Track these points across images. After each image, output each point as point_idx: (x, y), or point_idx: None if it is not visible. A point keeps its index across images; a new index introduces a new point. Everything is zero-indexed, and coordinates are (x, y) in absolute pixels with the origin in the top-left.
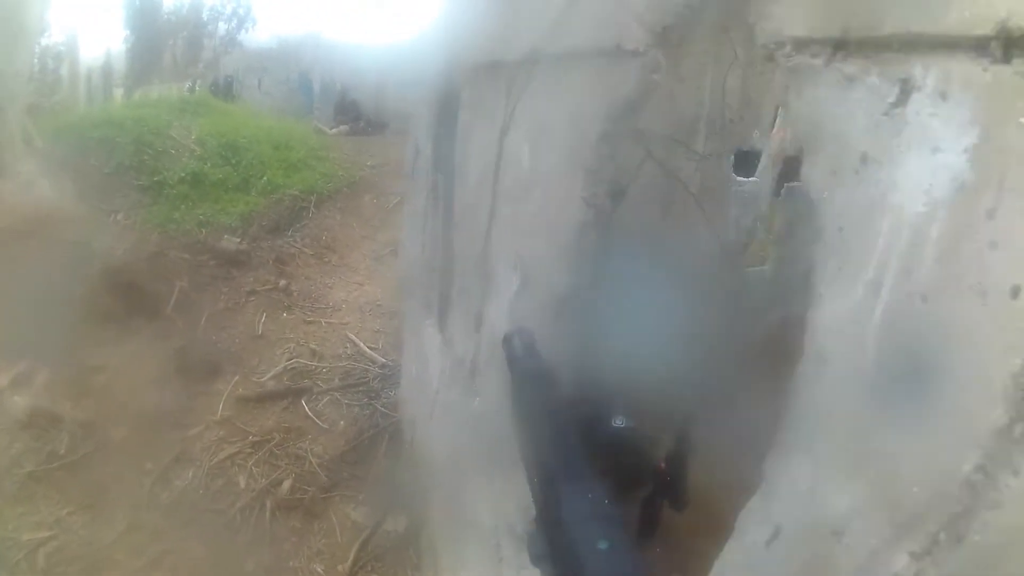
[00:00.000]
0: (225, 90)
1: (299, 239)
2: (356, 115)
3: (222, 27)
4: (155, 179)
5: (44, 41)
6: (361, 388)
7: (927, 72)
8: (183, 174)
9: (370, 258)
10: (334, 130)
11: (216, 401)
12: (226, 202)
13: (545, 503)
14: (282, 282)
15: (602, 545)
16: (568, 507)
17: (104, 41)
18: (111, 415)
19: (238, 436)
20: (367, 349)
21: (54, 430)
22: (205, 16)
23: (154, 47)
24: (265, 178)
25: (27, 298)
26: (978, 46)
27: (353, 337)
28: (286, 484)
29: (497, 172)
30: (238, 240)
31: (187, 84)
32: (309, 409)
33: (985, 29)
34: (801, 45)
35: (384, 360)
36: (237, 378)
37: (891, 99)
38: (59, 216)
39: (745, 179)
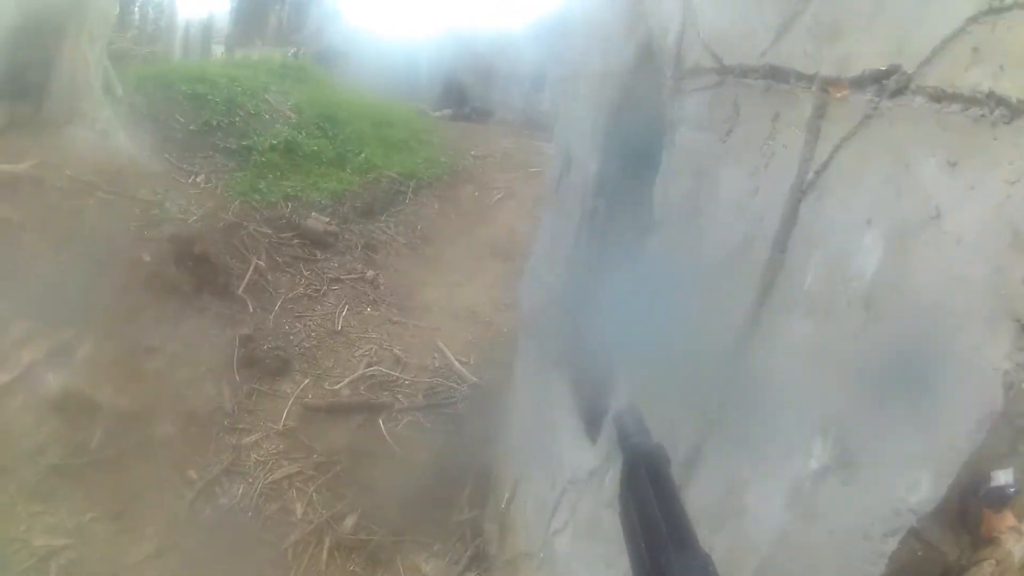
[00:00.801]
0: (329, 60)
1: (392, 226)
2: (462, 100)
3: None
4: (244, 143)
5: None
6: (447, 411)
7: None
8: (275, 141)
9: (468, 256)
10: (437, 113)
11: (280, 406)
12: (318, 176)
13: (652, 567)
14: (369, 272)
15: None
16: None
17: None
18: (157, 408)
19: (301, 452)
20: (457, 363)
21: (88, 418)
22: None
23: (260, 9)
24: (363, 155)
25: (84, 258)
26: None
27: (443, 347)
28: (350, 520)
29: (784, 255)
30: (327, 220)
31: (291, 50)
32: (386, 430)
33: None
34: None
35: (475, 379)
36: (308, 381)
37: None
38: (133, 171)
39: None
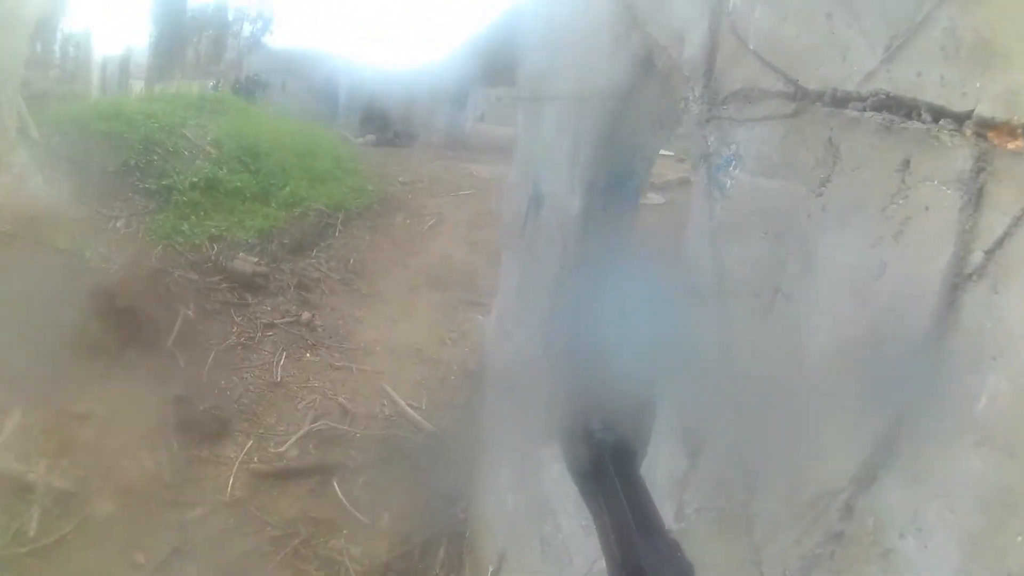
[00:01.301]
0: (248, 90)
1: (324, 261)
2: (384, 124)
3: (247, 28)
4: (163, 183)
5: (66, 28)
6: (406, 464)
7: None
8: (195, 179)
9: (405, 289)
10: (360, 139)
11: (225, 474)
12: (243, 214)
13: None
14: (305, 314)
15: None
16: (646, 557)
17: (128, 34)
18: (94, 484)
19: (253, 526)
20: (409, 409)
21: (23, 502)
22: (231, 16)
23: (178, 42)
24: (288, 188)
25: (2, 318)
26: None
27: (391, 391)
28: None
29: (938, 364)
30: (255, 260)
31: (211, 83)
32: (342, 493)
33: None
34: None
35: (431, 427)
36: (251, 442)
37: None
38: (51, 218)
39: None
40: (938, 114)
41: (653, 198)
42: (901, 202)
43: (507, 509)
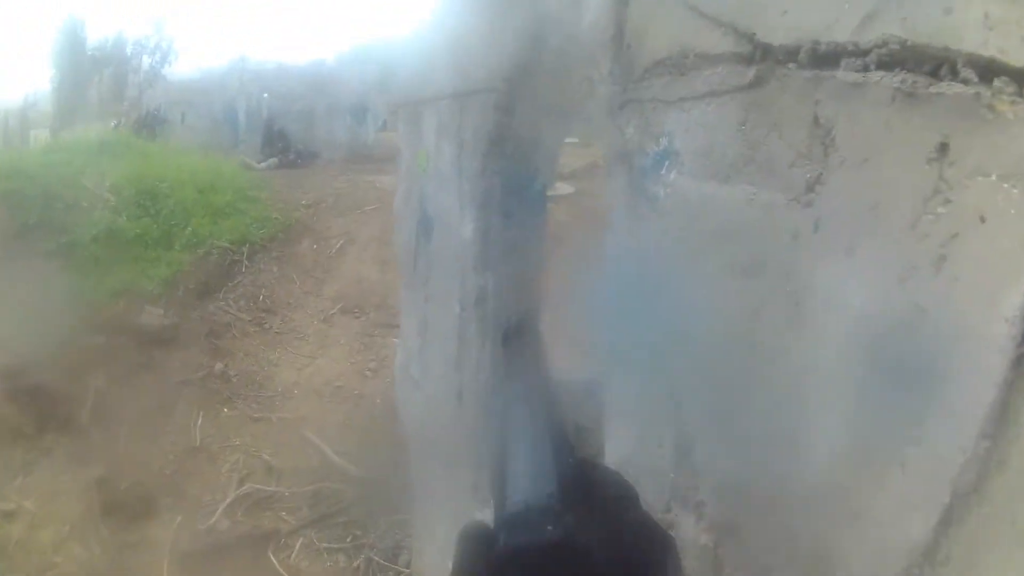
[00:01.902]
0: (148, 127)
1: (233, 303)
2: (285, 146)
3: (146, 61)
4: (63, 240)
5: None
6: (341, 521)
7: None
8: (95, 231)
9: (317, 320)
10: (263, 164)
11: (157, 559)
12: (145, 263)
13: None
14: (218, 365)
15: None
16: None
17: (28, 81)
18: None
19: None
20: (336, 458)
21: None
22: (129, 51)
23: (80, 84)
24: (189, 229)
25: None
26: None
27: (314, 439)
28: None
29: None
30: (161, 312)
31: (112, 123)
32: (279, 564)
33: None
34: None
35: (359, 472)
36: (179, 519)
37: None
38: None
39: None
40: (987, 70)
41: (561, 188)
42: (941, 211)
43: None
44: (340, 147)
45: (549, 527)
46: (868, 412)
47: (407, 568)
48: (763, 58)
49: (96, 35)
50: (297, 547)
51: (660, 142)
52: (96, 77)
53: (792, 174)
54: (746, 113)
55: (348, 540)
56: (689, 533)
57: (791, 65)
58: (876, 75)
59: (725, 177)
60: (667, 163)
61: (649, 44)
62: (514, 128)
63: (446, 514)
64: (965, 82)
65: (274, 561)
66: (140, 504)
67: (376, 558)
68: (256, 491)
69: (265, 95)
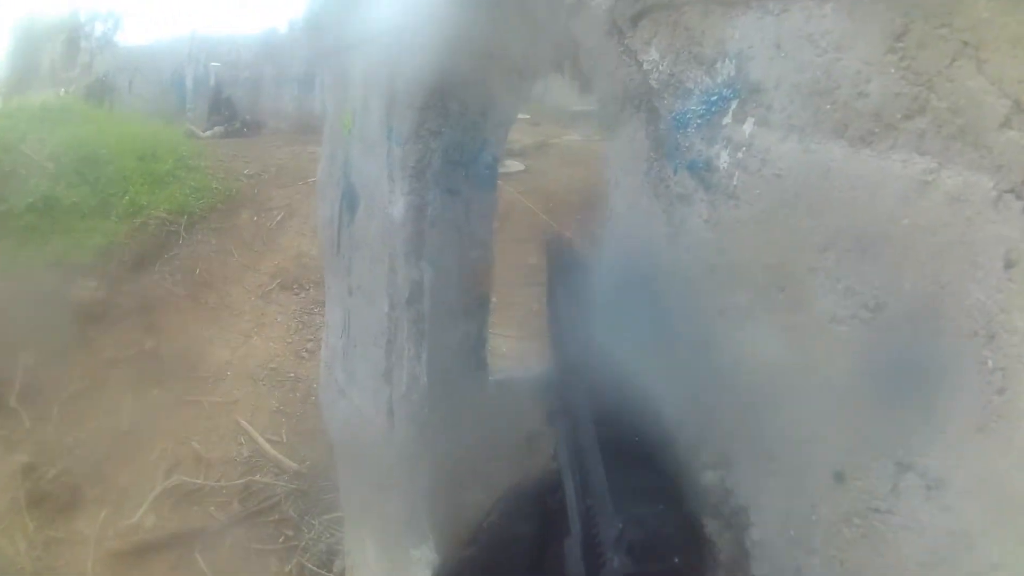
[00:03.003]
0: (97, 93)
1: (168, 276)
2: (231, 114)
3: (98, 28)
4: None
5: None
6: (272, 519)
7: None
8: (31, 199)
9: (255, 295)
10: (207, 132)
11: (83, 555)
12: (81, 233)
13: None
14: (149, 343)
15: None
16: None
17: None
18: None
19: None
20: (269, 447)
21: None
22: (83, 18)
23: (33, 51)
24: (127, 197)
25: None
26: None
27: (247, 426)
28: None
29: None
30: (94, 285)
31: (62, 90)
32: (206, 565)
33: None
34: None
35: (295, 466)
36: (105, 512)
37: None
38: None
39: None
40: None
41: (511, 165)
42: None
43: None
44: (287, 117)
45: None
46: None
47: None
48: None
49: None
50: (226, 546)
51: (718, 70)
52: (49, 44)
53: (1007, 140)
54: (908, 19)
55: (280, 541)
56: None
57: None
58: None
59: (864, 136)
60: (734, 107)
61: None
62: (458, 81)
63: (377, 542)
64: None
65: (201, 562)
66: (66, 495)
67: (309, 564)
68: (184, 483)
69: (215, 64)
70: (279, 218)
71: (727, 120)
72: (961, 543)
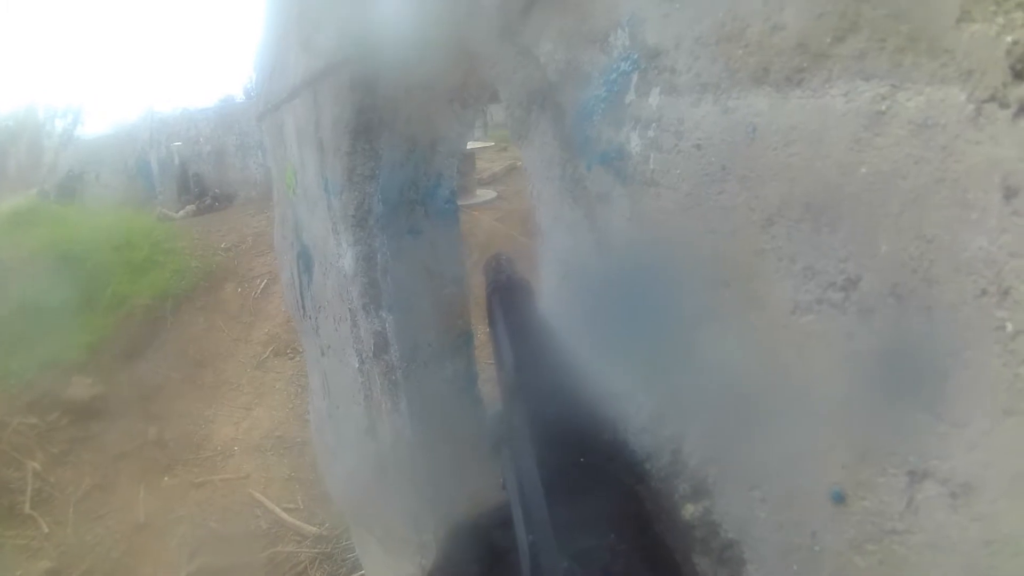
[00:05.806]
0: (67, 190)
1: (162, 361)
2: (201, 191)
3: (58, 125)
4: None
5: None
6: None
7: None
8: (14, 306)
9: (250, 367)
10: (180, 213)
11: None
12: (69, 331)
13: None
14: (152, 431)
15: None
16: None
17: None
18: None
19: None
20: (285, 516)
21: None
22: (41, 116)
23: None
24: (109, 290)
25: None
26: None
27: (262, 498)
28: None
29: None
30: (90, 381)
31: (34, 190)
32: None
33: None
34: None
35: (316, 530)
36: None
37: None
38: None
39: None
40: None
41: (483, 194)
42: None
43: None
44: (256, 184)
45: None
46: None
47: None
48: None
49: (7, 106)
50: None
51: (612, 44)
52: (13, 147)
53: (971, 36)
54: None
55: None
56: None
57: None
58: None
59: (790, 75)
60: (635, 79)
61: None
62: (389, 115)
63: None
64: None
65: None
66: None
67: None
68: (209, 564)
69: (177, 144)
70: (263, 286)
71: (630, 97)
72: (1003, 553)
